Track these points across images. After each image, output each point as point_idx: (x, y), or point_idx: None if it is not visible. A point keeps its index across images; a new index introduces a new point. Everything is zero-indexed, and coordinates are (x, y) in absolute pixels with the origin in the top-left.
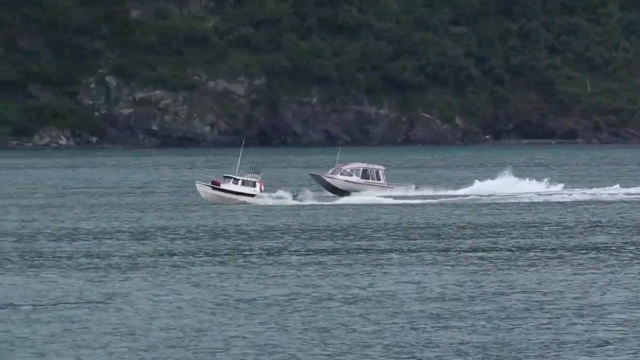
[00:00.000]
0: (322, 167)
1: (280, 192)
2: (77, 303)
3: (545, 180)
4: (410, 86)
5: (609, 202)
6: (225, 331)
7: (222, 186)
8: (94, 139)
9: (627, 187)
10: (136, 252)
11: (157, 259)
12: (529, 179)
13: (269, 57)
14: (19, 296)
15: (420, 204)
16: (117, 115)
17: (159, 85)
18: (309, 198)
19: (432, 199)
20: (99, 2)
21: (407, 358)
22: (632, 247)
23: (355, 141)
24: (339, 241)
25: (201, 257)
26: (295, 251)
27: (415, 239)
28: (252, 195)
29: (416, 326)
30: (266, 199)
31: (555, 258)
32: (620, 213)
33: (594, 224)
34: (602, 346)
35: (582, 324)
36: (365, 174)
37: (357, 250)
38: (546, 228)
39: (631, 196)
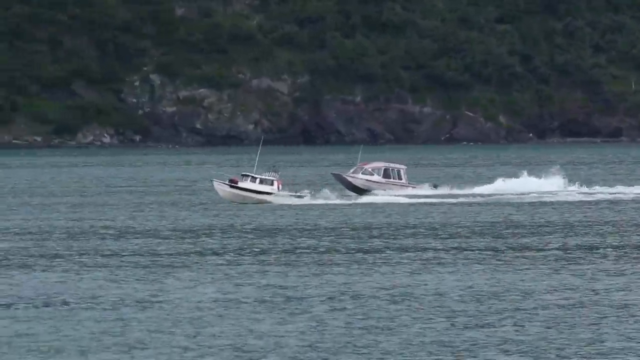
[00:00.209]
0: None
1: (325, 192)
2: (125, 300)
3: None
4: (455, 84)
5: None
6: (274, 330)
7: (240, 184)
8: (138, 138)
9: None
10: (183, 250)
11: (203, 258)
12: (546, 178)
13: (312, 55)
14: (68, 293)
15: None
16: (161, 114)
17: (203, 83)
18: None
19: (452, 197)
20: (144, 0)
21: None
22: None
23: (398, 140)
24: (383, 240)
25: (247, 255)
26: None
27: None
28: (270, 194)
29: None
30: (288, 198)
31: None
32: None
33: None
34: None
35: (630, 324)
36: (386, 173)
37: (403, 249)
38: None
39: None
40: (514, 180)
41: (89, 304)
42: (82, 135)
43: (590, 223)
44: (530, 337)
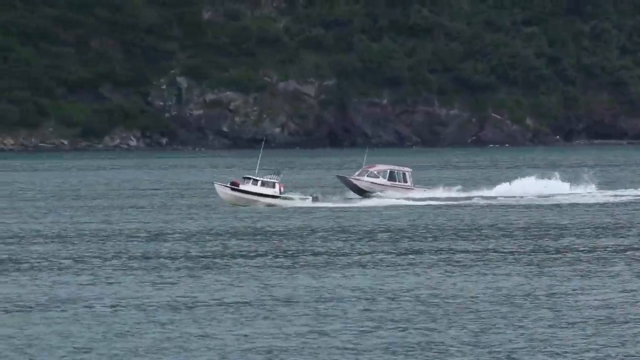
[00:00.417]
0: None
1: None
2: (155, 304)
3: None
4: (481, 87)
5: None
6: (301, 333)
7: (241, 187)
8: (164, 140)
9: None
10: (210, 252)
11: (230, 260)
12: (555, 179)
13: (339, 58)
14: (96, 297)
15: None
16: (188, 117)
17: (230, 86)
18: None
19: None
20: (171, 3)
21: (486, 357)
22: None
23: (424, 142)
24: (411, 242)
25: (272, 258)
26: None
27: (482, 239)
28: (272, 197)
29: (494, 325)
30: (295, 201)
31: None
32: None
33: None
34: None
35: None
36: (392, 176)
37: (430, 251)
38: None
39: None
40: (523, 180)
41: (120, 307)
42: (109, 138)
43: (604, 225)
44: (559, 338)
